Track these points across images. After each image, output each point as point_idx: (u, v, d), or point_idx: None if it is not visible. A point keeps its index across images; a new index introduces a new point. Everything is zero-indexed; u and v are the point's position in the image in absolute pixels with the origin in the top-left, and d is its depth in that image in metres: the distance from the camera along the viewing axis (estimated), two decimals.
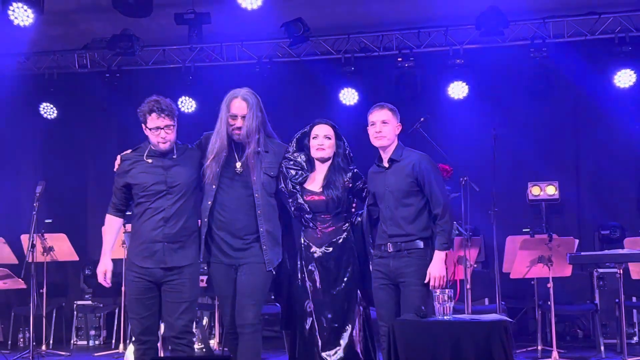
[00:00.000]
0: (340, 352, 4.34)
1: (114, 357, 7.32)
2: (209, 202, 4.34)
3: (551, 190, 8.07)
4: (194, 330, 4.56)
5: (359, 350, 4.39)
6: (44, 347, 7.70)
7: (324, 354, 4.33)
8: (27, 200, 7.75)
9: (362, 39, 8.46)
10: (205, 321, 7.86)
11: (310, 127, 4.56)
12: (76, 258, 7.89)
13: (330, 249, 4.44)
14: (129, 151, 4.44)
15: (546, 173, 8.26)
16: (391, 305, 4.33)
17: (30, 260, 6.83)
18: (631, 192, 8.52)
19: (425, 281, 4.22)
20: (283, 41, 8.32)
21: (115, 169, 4.42)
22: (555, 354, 6.37)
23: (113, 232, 4.46)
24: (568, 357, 6.77)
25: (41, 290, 7.60)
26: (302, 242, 4.51)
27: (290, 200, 4.44)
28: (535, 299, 7.16)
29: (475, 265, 6.84)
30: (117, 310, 8.01)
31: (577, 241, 6.61)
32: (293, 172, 4.48)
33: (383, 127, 4.36)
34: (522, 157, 8.34)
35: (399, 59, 8.30)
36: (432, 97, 8.34)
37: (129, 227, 4.62)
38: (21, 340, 8.46)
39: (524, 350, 7.00)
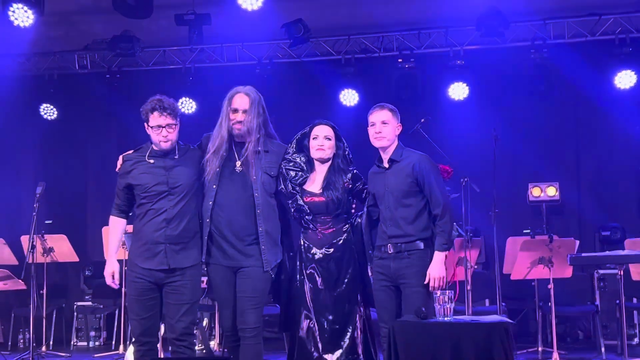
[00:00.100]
0: (341, 354, 4.33)
1: (114, 358, 7.31)
2: (210, 203, 4.33)
3: (552, 192, 8.07)
4: (194, 331, 4.55)
5: (360, 352, 4.38)
6: (44, 348, 7.69)
7: (325, 356, 4.33)
8: (27, 201, 7.76)
9: (362, 40, 8.46)
10: (205, 322, 7.85)
11: (310, 127, 4.55)
12: (76, 259, 7.89)
13: (331, 250, 4.43)
14: (130, 151, 4.44)
15: (547, 174, 8.26)
16: (392, 306, 4.33)
17: (30, 261, 6.82)
18: (632, 193, 8.52)
19: (425, 282, 4.22)
20: (283, 42, 8.32)
21: (117, 169, 4.42)
22: (555, 355, 6.37)
23: (117, 233, 4.45)
24: (568, 358, 6.78)
25: (41, 291, 7.60)
26: (302, 243, 4.50)
27: (290, 201, 4.43)
28: (535, 300, 7.15)
29: (475, 267, 6.84)
30: (117, 311, 8.00)
31: (577, 242, 6.60)
32: (293, 173, 4.47)
33: (383, 128, 4.36)
34: (523, 158, 8.33)
35: (400, 60, 8.30)
36: (432, 98, 8.35)
37: (129, 227, 4.61)
38: (21, 341, 8.47)
39: (525, 351, 6.99)
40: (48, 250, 7.57)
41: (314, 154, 4.50)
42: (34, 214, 6.61)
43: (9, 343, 8.41)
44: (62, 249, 7.68)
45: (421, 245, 4.28)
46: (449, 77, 8.27)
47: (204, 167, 4.37)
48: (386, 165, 4.41)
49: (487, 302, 7.67)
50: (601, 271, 7.60)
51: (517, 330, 7.63)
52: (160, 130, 4.27)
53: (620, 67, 7.87)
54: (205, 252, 4.34)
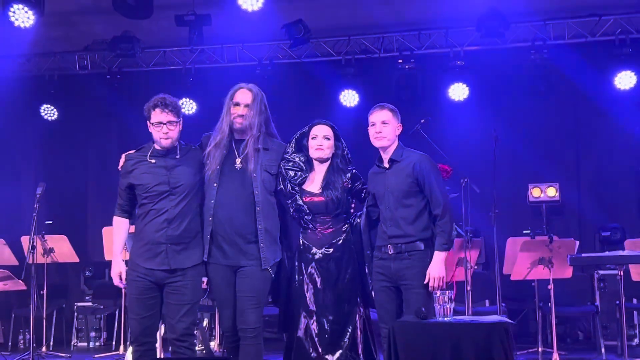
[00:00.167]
0: (341, 354, 4.33)
1: (114, 359, 7.31)
2: (212, 202, 4.32)
3: (552, 192, 8.07)
4: (195, 332, 4.55)
5: (360, 352, 4.38)
6: (44, 349, 7.69)
7: (325, 356, 4.32)
8: (28, 201, 7.77)
9: (362, 41, 8.47)
10: (205, 323, 7.85)
11: (309, 127, 4.56)
12: (76, 259, 7.88)
13: (331, 250, 4.43)
14: (132, 151, 4.44)
15: (547, 174, 8.26)
16: (392, 307, 4.33)
17: (30, 262, 6.83)
18: (632, 193, 8.52)
19: (425, 282, 4.22)
20: (283, 43, 8.32)
21: (119, 167, 4.42)
22: (555, 355, 6.37)
23: (122, 233, 4.45)
24: (568, 358, 6.78)
25: (41, 292, 7.60)
26: (301, 243, 4.50)
27: (289, 201, 4.43)
28: (535, 300, 7.15)
29: (475, 267, 6.84)
30: (117, 312, 8.00)
31: (577, 243, 6.60)
32: (292, 173, 4.47)
33: (383, 128, 4.36)
34: (523, 159, 8.33)
35: (400, 61, 8.31)
36: (432, 99, 8.35)
37: (131, 228, 4.61)
38: (21, 341, 8.47)
39: (525, 352, 6.99)
40: (48, 251, 7.57)
41: (313, 153, 4.50)
42: (34, 214, 6.62)
43: (9, 343, 8.41)
44: (62, 249, 7.68)
45: (421, 246, 4.28)
46: (449, 77, 8.27)
47: (204, 161, 4.38)
48: (386, 165, 4.41)
49: (487, 302, 7.67)
50: (601, 272, 7.60)
51: (517, 331, 7.62)
52: (161, 127, 4.27)
53: (620, 67, 7.88)
54: (207, 251, 4.33)
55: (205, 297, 6.88)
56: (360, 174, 4.58)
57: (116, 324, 8.09)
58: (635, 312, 7.63)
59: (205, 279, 4.49)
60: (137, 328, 4.28)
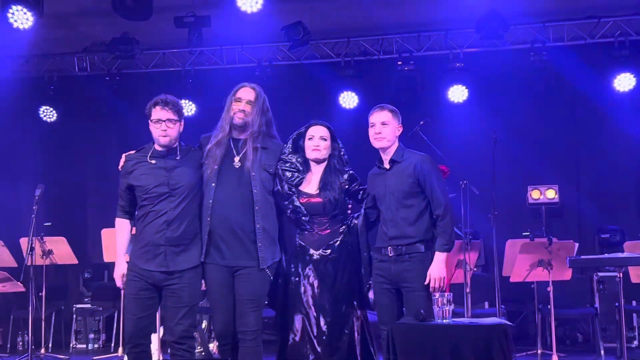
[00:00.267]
0: (339, 356, 4.31)
1: None
2: (210, 201, 4.30)
3: (551, 194, 8.06)
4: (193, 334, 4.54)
5: (358, 354, 4.37)
6: (43, 351, 7.67)
7: (323, 358, 4.31)
8: (27, 203, 7.73)
9: (362, 43, 8.47)
10: (204, 325, 7.84)
11: (306, 127, 4.55)
12: (75, 261, 7.87)
13: (328, 251, 4.42)
14: (133, 152, 4.43)
15: (546, 176, 8.25)
16: (392, 309, 4.32)
17: (29, 264, 6.80)
18: (631, 195, 8.52)
19: (425, 282, 4.21)
20: (283, 44, 8.32)
21: (119, 167, 4.41)
22: (555, 357, 6.37)
23: (125, 234, 4.44)
24: None
25: (40, 294, 7.58)
26: (298, 244, 4.48)
27: (287, 202, 4.41)
28: (535, 302, 7.15)
29: (475, 269, 6.82)
30: (116, 314, 8.00)
31: (577, 245, 6.60)
32: (289, 174, 4.46)
33: (383, 129, 4.35)
34: (522, 161, 8.34)
35: (399, 63, 8.31)
36: (432, 101, 8.35)
37: (133, 230, 4.60)
38: (20, 343, 8.47)
39: (524, 354, 6.99)
40: (47, 253, 7.55)
41: (310, 154, 4.49)
42: (33, 216, 6.60)
43: (8, 345, 8.41)
44: (61, 251, 7.67)
45: (422, 247, 4.26)
46: (449, 79, 8.28)
47: (203, 160, 4.37)
48: (387, 166, 4.40)
49: (486, 304, 7.66)
50: (600, 274, 7.61)
51: (517, 333, 7.63)
52: (160, 125, 4.27)
53: (620, 69, 7.88)
54: (204, 252, 4.31)
55: (204, 300, 6.87)
56: (360, 175, 4.56)
57: (115, 325, 8.08)
58: (634, 314, 7.63)
59: (204, 281, 4.48)
60: (132, 328, 4.26)
